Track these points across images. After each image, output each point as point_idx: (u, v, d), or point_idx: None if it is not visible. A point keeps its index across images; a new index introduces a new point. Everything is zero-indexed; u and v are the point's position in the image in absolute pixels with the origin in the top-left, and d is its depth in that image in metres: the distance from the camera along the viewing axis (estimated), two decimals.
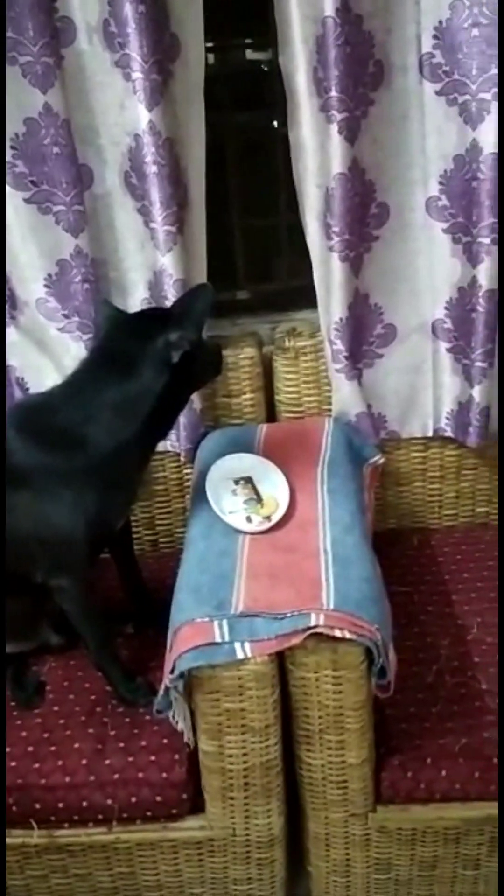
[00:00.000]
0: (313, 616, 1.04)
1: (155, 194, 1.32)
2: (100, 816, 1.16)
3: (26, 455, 1.15)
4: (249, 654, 1.04)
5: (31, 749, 1.18)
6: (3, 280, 1.42)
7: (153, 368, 1.15)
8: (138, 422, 1.15)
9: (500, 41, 1.20)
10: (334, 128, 1.27)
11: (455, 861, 1.21)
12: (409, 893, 1.25)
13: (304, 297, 1.53)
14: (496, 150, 1.25)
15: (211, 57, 1.49)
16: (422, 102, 1.31)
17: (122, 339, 1.20)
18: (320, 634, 1.04)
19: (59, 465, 1.15)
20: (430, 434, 1.55)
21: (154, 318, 1.22)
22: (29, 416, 1.19)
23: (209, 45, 1.34)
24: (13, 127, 1.30)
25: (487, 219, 1.30)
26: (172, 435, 1.51)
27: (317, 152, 1.32)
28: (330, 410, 1.52)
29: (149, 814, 1.16)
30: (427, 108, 1.31)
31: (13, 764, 1.16)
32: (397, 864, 1.22)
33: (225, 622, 1.06)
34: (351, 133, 1.29)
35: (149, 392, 1.15)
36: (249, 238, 1.67)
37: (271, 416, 1.55)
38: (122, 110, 1.32)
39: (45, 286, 1.42)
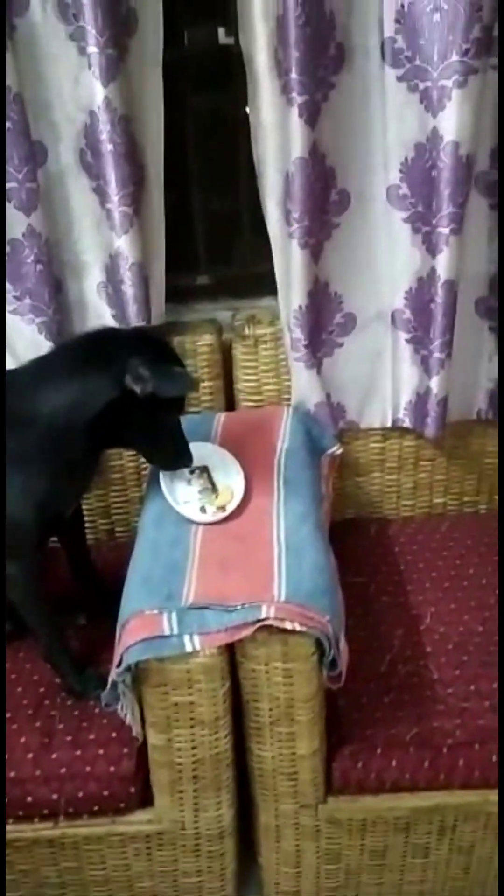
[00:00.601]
0: (264, 608, 1.03)
1: (111, 173, 1.29)
2: (45, 811, 1.13)
3: None
4: (198, 647, 1.02)
5: None
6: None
7: (110, 379, 1.12)
8: (88, 413, 1.12)
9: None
10: (294, 110, 1.25)
11: (404, 849, 1.22)
12: (358, 882, 1.26)
13: (266, 283, 1.50)
14: (455, 139, 1.24)
15: (184, 39, 1.45)
16: (383, 87, 1.29)
17: (99, 340, 1.19)
18: (271, 626, 1.02)
19: (11, 447, 1.12)
20: (388, 424, 1.54)
21: (142, 341, 1.21)
22: None
23: (180, 26, 1.30)
24: None
25: (447, 208, 1.29)
26: None
27: (277, 135, 1.29)
28: (289, 399, 1.50)
29: (96, 808, 1.14)
30: (388, 94, 1.29)
31: None
32: (347, 853, 1.22)
33: (174, 614, 1.04)
34: (311, 116, 1.26)
35: (98, 396, 1.12)
36: (210, 221, 1.63)
37: (230, 404, 1.53)
38: (77, 85, 1.27)
39: None
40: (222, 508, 1.23)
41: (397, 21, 1.24)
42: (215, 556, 1.14)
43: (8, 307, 1.41)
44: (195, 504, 1.24)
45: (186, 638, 1.02)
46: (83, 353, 1.17)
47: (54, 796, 1.12)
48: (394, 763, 1.14)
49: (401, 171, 1.34)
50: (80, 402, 1.12)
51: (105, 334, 1.22)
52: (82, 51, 1.23)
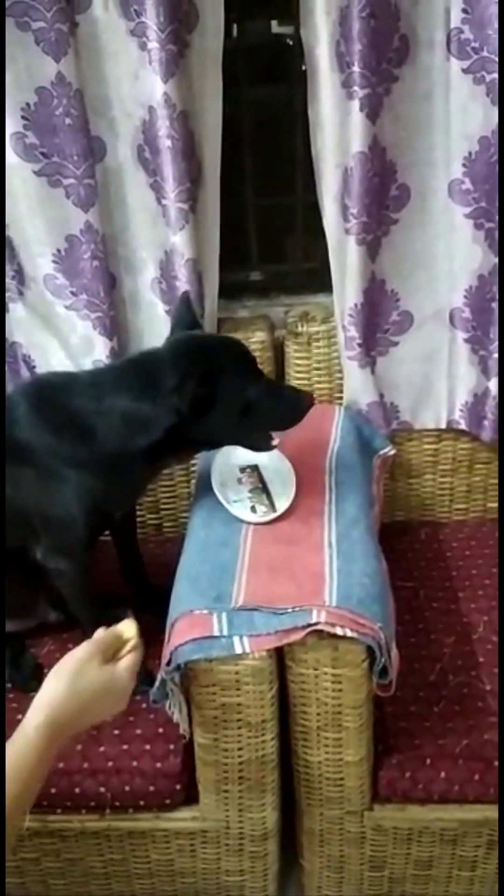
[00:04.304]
0: (314, 612, 1.02)
1: (168, 170, 1.28)
2: (92, 804, 1.15)
3: (36, 433, 1.13)
4: (248, 649, 1.01)
5: None
6: (3, 262, 1.38)
7: (165, 405, 1.09)
8: (144, 441, 1.11)
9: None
10: (355, 104, 1.22)
11: (451, 862, 1.20)
12: (403, 891, 1.24)
13: (320, 280, 1.48)
14: None
15: (234, 29, 1.43)
16: (447, 80, 1.25)
17: (157, 358, 1.14)
18: (321, 631, 1.01)
19: (65, 451, 1.13)
20: (443, 426, 1.51)
21: (186, 355, 1.13)
22: (45, 394, 1.17)
23: (233, 16, 1.28)
24: (25, 96, 1.25)
25: None
26: None
27: (336, 129, 1.27)
28: (341, 399, 1.48)
29: (141, 803, 1.14)
30: (453, 87, 1.25)
31: None
32: (392, 862, 1.20)
33: (224, 615, 1.03)
34: (372, 110, 1.23)
35: (154, 426, 1.10)
36: (265, 217, 1.62)
37: None
38: (136, 81, 1.27)
39: (54, 262, 1.38)
40: (273, 509, 1.22)
41: (464, 11, 1.19)
42: (265, 558, 1.13)
43: (64, 302, 1.42)
44: (245, 503, 1.23)
45: (236, 639, 1.02)
46: (136, 375, 1.13)
47: (101, 789, 1.13)
48: (442, 775, 1.11)
49: (464, 165, 1.30)
50: (136, 432, 1.11)
51: (154, 355, 1.15)
52: (143, 46, 1.22)
